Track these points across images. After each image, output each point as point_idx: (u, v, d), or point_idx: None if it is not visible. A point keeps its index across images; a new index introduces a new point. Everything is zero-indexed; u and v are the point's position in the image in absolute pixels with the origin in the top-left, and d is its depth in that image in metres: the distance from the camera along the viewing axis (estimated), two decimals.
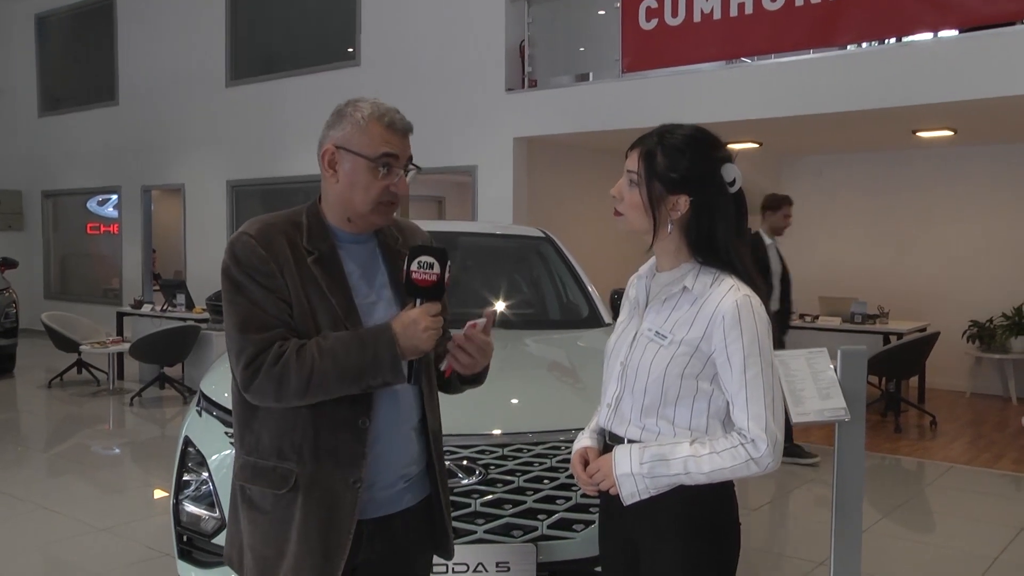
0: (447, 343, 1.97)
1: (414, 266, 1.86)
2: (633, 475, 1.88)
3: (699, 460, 1.84)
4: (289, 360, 1.82)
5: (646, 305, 2.01)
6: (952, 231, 9.51)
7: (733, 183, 1.92)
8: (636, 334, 1.99)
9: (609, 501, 2.01)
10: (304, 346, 1.84)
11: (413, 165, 1.98)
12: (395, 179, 1.93)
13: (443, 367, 2.00)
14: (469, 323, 1.92)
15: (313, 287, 1.90)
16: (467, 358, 1.93)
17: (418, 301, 1.86)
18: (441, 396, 2.14)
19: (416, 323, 1.82)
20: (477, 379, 2.09)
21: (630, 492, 1.90)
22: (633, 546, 1.99)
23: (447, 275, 1.88)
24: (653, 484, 1.88)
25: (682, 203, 1.90)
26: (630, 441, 1.94)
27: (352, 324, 1.91)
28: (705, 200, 1.90)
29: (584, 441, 2.07)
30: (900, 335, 8.03)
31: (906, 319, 8.88)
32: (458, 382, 2.08)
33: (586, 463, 2.02)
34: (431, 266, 1.86)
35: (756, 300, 1.88)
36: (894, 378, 7.88)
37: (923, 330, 8.33)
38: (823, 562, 4.30)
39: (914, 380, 8.48)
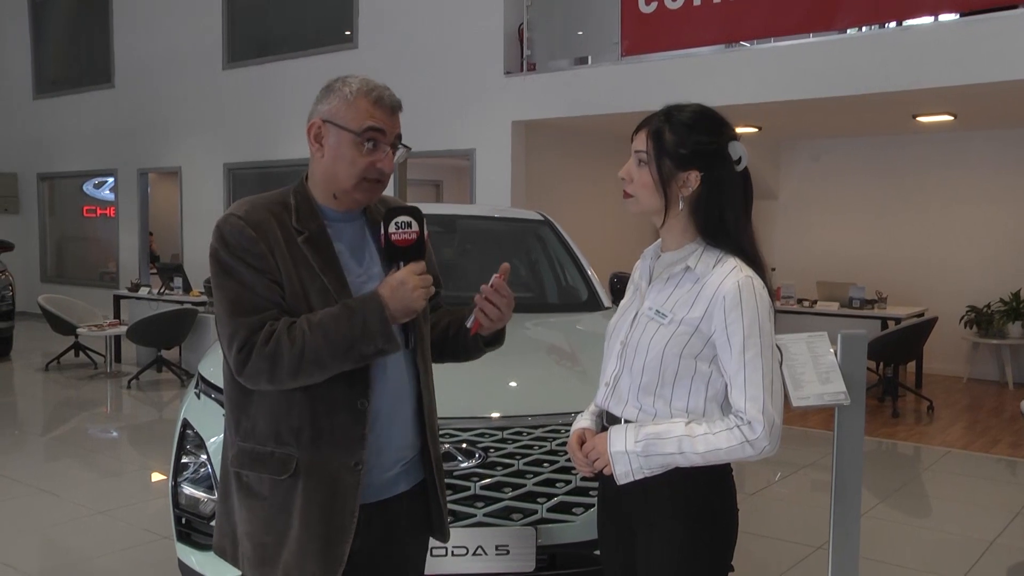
0: (469, 304, 1.98)
1: (392, 227, 1.84)
2: (627, 453, 1.87)
3: (694, 440, 1.83)
4: (280, 338, 1.79)
5: (649, 284, 2.00)
6: (951, 216, 9.51)
7: (739, 161, 1.91)
8: (637, 313, 1.98)
9: (607, 484, 2.00)
10: (294, 323, 1.82)
11: (403, 144, 1.95)
12: (381, 155, 1.90)
13: (469, 323, 1.99)
14: (495, 276, 1.94)
15: (304, 267, 1.88)
16: (495, 311, 1.95)
17: (401, 263, 1.84)
18: (438, 379, 2.12)
19: (404, 284, 1.80)
20: (498, 339, 2.10)
21: (624, 471, 1.89)
22: (629, 530, 1.99)
23: (426, 232, 1.86)
24: (647, 463, 1.87)
25: (692, 179, 1.89)
26: (626, 421, 1.94)
27: None
28: (715, 176, 1.89)
29: (583, 423, 2.07)
30: (898, 320, 8.04)
31: (904, 304, 8.89)
32: (481, 343, 2.08)
33: (584, 445, 2.01)
34: (409, 224, 1.84)
35: (758, 281, 1.87)
36: (892, 363, 7.90)
37: (921, 315, 8.34)
38: (821, 546, 4.32)
39: (912, 365, 8.49)
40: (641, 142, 1.93)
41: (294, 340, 1.79)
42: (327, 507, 1.87)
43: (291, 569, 1.88)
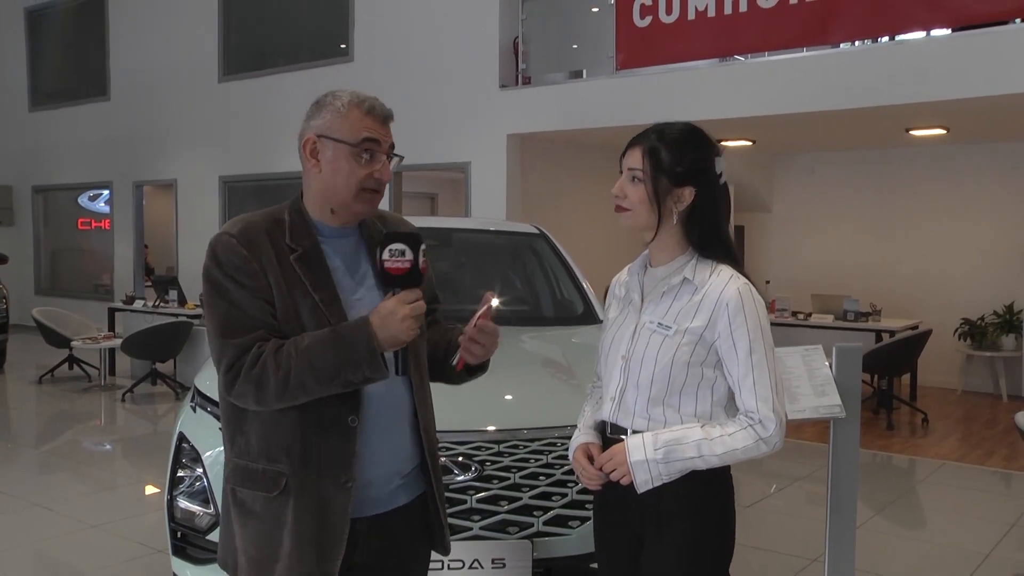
0: (457, 337, 1.96)
1: (385, 255, 1.81)
2: (648, 461, 1.91)
3: (712, 443, 1.89)
4: (267, 361, 1.79)
5: (641, 300, 2.04)
6: (944, 229, 9.54)
7: (721, 175, 2.02)
8: (636, 328, 2.01)
9: (608, 492, 2.03)
10: (282, 346, 1.81)
11: (396, 154, 1.97)
12: (378, 165, 1.91)
13: (454, 361, 1.98)
14: (477, 315, 1.90)
15: (297, 285, 1.88)
16: (480, 349, 1.94)
17: (395, 291, 1.81)
18: (434, 392, 2.12)
19: (393, 314, 1.77)
20: (481, 368, 2.08)
21: (644, 479, 1.93)
22: (634, 535, 2.01)
23: (421, 260, 1.82)
24: (667, 470, 1.91)
25: (687, 195, 1.97)
26: (634, 432, 1.97)
27: (337, 320, 1.87)
28: (707, 191, 1.98)
29: (588, 437, 2.09)
30: (892, 333, 8.05)
31: (898, 317, 8.91)
32: (465, 373, 2.06)
33: (590, 458, 2.04)
34: (403, 253, 1.80)
35: (753, 287, 1.96)
36: (886, 375, 7.91)
37: (915, 328, 8.35)
38: (817, 558, 4.31)
39: (906, 377, 8.51)
40: (635, 159, 1.99)
41: (280, 364, 1.79)
42: (318, 524, 1.87)
43: None
